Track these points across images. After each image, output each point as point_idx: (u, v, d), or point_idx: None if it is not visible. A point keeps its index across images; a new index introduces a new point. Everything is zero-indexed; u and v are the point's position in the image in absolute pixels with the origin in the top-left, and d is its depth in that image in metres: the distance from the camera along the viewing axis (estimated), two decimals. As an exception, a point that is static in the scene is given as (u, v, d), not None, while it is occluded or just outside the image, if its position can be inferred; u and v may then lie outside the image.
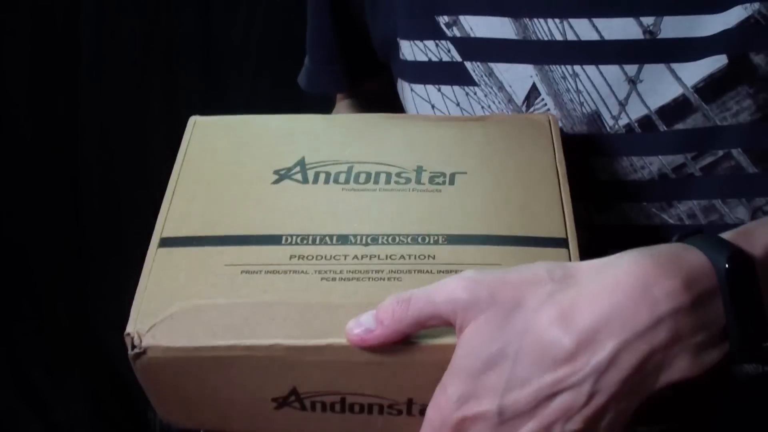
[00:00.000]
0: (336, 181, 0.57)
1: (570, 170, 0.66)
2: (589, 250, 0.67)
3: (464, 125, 0.63)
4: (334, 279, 0.51)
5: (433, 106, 0.69)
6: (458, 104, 0.68)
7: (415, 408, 0.50)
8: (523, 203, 0.56)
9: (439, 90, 0.68)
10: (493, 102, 0.67)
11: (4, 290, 1.73)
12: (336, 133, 0.62)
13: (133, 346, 0.48)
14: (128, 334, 0.49)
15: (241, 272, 0.51)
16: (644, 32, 0.62)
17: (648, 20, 0.61)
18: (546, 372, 0.46)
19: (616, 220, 0.66)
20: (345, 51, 0.77)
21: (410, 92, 0.70)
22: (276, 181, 0.57)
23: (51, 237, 1.74)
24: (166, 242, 0.53)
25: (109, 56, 1.67)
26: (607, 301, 0.47)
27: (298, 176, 0.57)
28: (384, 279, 0.51)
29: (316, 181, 0.57)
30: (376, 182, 0.57)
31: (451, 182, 0.57)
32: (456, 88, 0.67)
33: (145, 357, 0.48)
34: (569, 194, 0.57)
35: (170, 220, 0.54)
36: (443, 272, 0.51)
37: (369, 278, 0.51)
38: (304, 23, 0.79)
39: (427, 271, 0.51)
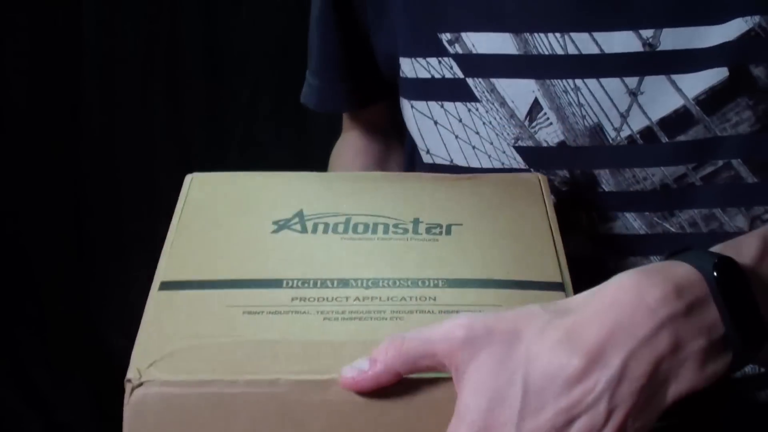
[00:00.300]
0: (335, 231, 0.57)
1: (573, 181, 0.67)
2: (591, 260, 0.68)
3: (456, 183, 0.64)
4: (336, 319, 0.51)
5: (436, 123, 0.69)
6: (460, 120, 0.68)
7: None
8: (519, 251, 0.57)
9: (442, 106, 0.69)
10: (495, 118, 0.67)
11: (6, 290, 1.73)
12: (333, 189, 0.62)
13: (130, 381, 0.47)
14: (128, 380, 0.47)
15: (243, 313, 0.51)
16: (644, 45, 0.62)
17: (647, 33, 0.62)
18: (559, 396, 0.46)
19: (618, 230, 0.67)
20: (353, 69, 0.78)
21: (410, 109, 0.71)
22: (275, 231, 0.57)
23: (53, 237, 1.74)
24: (166, 286, 0.53)
25: (111, 57, 1.67)
26: (607, 318, 0.47)
27: (297, 227, 0.57)
28: (386, 319, 0.51)
29: (315, 231, 0.57)
30: (374, 232, 0.57)
31: (448, 233, 0.58)
32: (458, 104, 0.68)
33: (141, 391, 0.46)
34: (562, 246, 0.58)
35: (170, 265, 0.54)
36: (444, 312, 0.51)
37: (371, 318, 0.51)
38: (306, 27, 0.79)
39: (429, 311, 0.51)
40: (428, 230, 0.58)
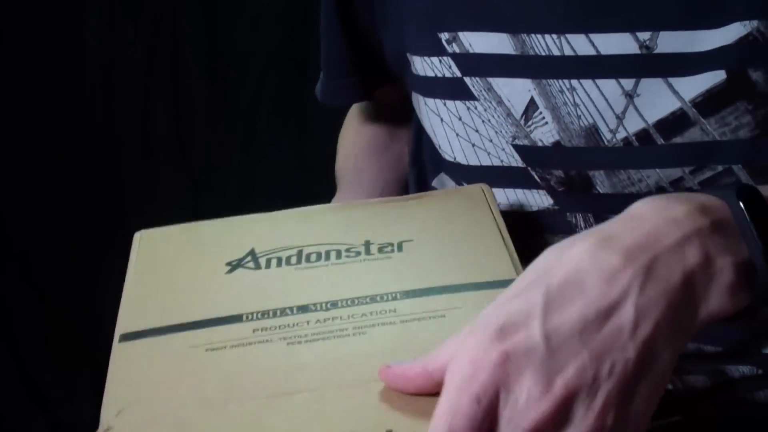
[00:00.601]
0: (288, 263, 0.58)
1: (569, 182, 0.67)
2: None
3: (404, 204, 0.66)
4: (299, 342, 0.51)
5: (441, 120, 0.70)
6: (460, 118, 0.69)
7: None
8: (471, 256, 0.57)
9: (445, 104, 0.70)
10: (492, 116, 0.67)
11: (8, 288, 1.74)
12: (281, 225, 0.63)
13: None
14: None
15: (206, 350, 0.51)
16: (640, 47, 0.62)
17: (644, 35, 0.62)
18: (589, 291, 0.44)
19: None
20: (358, 66, 0.79)
21: (424, 105, 0.72)
22: (229, 271, 0.57)
23: (55, 234, 1.75)
24: (126, 337, 0.53)
25: (113, 59, 1.68)
26: (638, 228, 0.46)
27: (251, 264, 0.58)
28: (349, 335, 0.51)
29: (268, 266, 0.58)
30: (327, 259, 0.58)
31: (400, 249, 0.58)
32: (458, 102, 0.68)
33: None
34: (512, 244, 0.58)
35: (127, 317, 0.54)
36: (407, 321, 0.52)
37: (334, 336, 0.51)
38: (307, 27, 0.81)
39: (390, 323, 0.52)
40: (380, 249, 0.58)
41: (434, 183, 0.77)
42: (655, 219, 0.47)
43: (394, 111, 0.85)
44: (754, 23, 0.60)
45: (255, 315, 0.53)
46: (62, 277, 1.76)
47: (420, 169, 0.81)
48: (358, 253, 0.58)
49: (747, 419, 0.70)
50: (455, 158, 0.71)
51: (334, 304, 0.53)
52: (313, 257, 0.58)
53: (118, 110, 1.70)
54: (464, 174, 0.71)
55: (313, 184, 1.69)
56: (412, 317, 0.51)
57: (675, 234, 0.46)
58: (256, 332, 0.52)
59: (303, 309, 0.53)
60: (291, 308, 0.53)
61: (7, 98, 1.68)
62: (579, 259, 0.45)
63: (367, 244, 0.59)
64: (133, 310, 0.55)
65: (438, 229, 0.61)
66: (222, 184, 1.69)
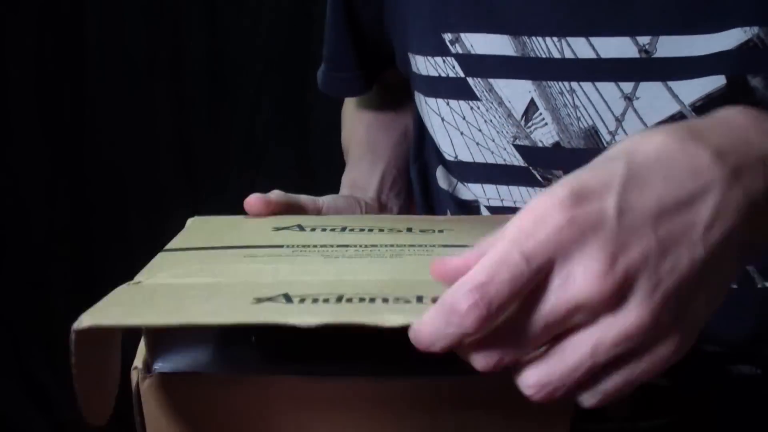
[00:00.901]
0: (332, 231, 0.60)
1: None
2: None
3: (447, 217, 0.69)
4: (336, 257, 0.53)
5: (443, 119, 0.71)
6: (464, 118, 0.69)
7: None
8: None
9: (448, 104, 0.70)
10: (494, 116, 0.68)
11: (9, 288, 1.74)
12: (328, 217, 0.66)
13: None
14: (135, 368, 0.49)
15: (244, 256, 0.53)
16: (640, 51, 0.62)
17: (644, 39, 0.62)
18: (672, 179, 0.41)
19: None
20: (361, 61, 0.81)
21: (425, 105, 0.73)
22: (275, 230, 0.60)
23: (55, 234, 1.75)
24: (167, 250, 0.55)
25: (115, 60, 1.68)
26: (729, 131, 0.44)
27: (296, 229, 0.61)
28: (386, 257, 0.53)
29: (313, 230, 0.60)
30: (371, 231, 0.60)
31: (440, 232, 0.60)
32: (461, 102, 0.69)
33: (131, 284, 0.48)
34: None
35: (171, 244, 0.57)
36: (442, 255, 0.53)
37: (371, 256, 0.53)
38: (307, 28, 0.81)
39: (427, 255, 0.53)
40: (421, 231, 0.60)
41: (438, 175, 0.78)
42: (746, 126, 0.44)
43: (398, 89, 0.86)
44: (755, 29, 0.60)
45: (295, 246, 0.56)
46: (62, 277, 1.76)
47: (423, 164, 0.81)
48: (400, 231, 0.60)
49: (747, 419, 0.70)
50: (457, 156, 0.72)
51: (374, 246, 0.55)
52: (357, 230, 0.61)
53: (118, 110, 1.70)
54: (467, 171, 0.72)
55: (313, 184, 1.70)
56: (450, 251, 0.52)
57: (765, 146, 0.44)
58: (294, 252, 0.54)
59: (343, 246, 0.55)
60: (331, 245, 0.56)
61: (7, 98, 1.68)
62: (667, 142, 0.42)
63: (410, 228, 0.61)
64: (179, 240, 0.58)
65: (478, 226, 0.63)
66: (222, 184, 1.69)
